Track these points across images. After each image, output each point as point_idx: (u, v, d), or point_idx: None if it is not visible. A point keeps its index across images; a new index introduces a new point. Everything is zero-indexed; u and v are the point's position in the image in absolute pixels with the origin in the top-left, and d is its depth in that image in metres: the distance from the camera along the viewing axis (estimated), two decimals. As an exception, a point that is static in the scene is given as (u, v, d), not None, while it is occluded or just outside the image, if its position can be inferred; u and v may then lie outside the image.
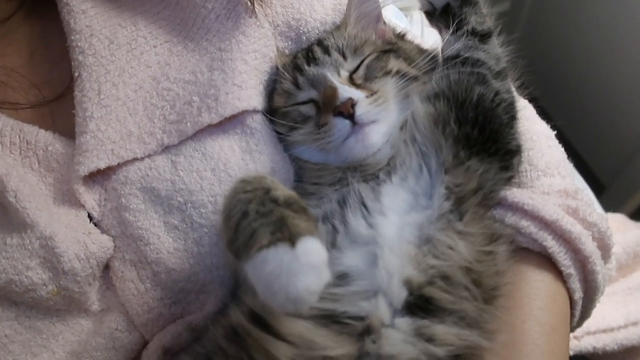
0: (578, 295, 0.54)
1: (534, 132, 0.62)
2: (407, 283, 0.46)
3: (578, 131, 1.51)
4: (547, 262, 0.54)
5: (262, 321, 0.47)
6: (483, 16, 0.61)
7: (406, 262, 0.47)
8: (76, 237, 0.52)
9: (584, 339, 0.65)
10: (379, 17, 0.65)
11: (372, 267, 0.48)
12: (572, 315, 0.56)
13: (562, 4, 1.61)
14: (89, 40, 0.58)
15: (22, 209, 0.51)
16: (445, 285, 0.47)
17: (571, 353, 0.63)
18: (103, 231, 0.55)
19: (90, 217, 0.56)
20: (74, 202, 0.56)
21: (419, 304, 0.46)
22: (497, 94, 0.54)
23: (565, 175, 0.59)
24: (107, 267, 0.55)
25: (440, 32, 0.64)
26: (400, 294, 0.46)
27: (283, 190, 0.47)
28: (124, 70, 0.59)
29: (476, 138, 0.52)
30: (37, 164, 0.56)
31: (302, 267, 0.41)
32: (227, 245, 0.47)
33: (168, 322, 0.56)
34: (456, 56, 0.58)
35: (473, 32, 0.59)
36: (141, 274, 0.55)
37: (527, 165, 0.58)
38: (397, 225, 0.50)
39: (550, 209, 0.53)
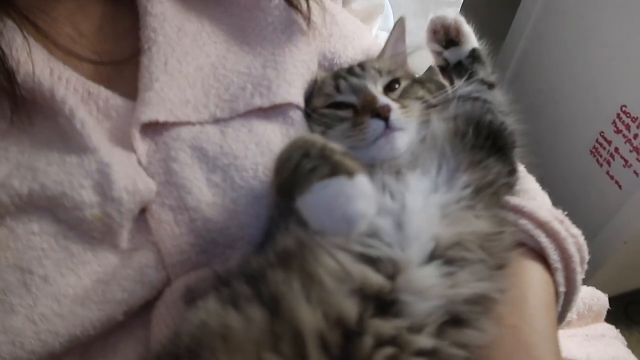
0: (562, 288, 0.63)
1: (520, 167, 0.74)
2: (435, 239, 0.53)
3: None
4: (540, 257, 0.63)
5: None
6: (489, 73, 0.76)
7: (432, 225, 0.54)
8: (128, 172, 0.57)
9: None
10: (405, 60, 0.79)
11: (400, 229, 0.54)
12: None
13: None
14: (161, 24, 0.67)
15: (87, 136, 0.56)
16: (464, 249, 0.54)
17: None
18: (148, 176, 0.60)
19: (138, 162, 0.60)
20: (126, 146, 0.60)
21: (445, 261, 0.53)
22: (503, 122, 0.66)
23: (548, 204, 0.70)
24: (141, 213, 0.59)
25: (451, 82, 0.78)
26: (428, 246, 0.52)
27: (338, 145, 0.54)
28: (188, 54, 0.67)
29: (489, 147, 0.62)
30: (96, 111, 0.61)
31: (359, 194, 0.48)
32: (281, 184, 0.54)
33: (193, 268, 0.58)
34: (468, 95, 0.71)
35: (482, 81, 0.73)
36: (177, 218, 0.58)
37: (518, 188, 0.69)
38: (421, 202, 0.57)
39: (545, 212, 0.63)
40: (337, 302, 0.47)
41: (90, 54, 0.66)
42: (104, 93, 0.62)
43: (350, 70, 0.73)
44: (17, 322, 0.50)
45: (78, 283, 0.53)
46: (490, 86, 0.73)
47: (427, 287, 0.49)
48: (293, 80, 0.69)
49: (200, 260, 0.59)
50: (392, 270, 0.51)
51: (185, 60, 0.67)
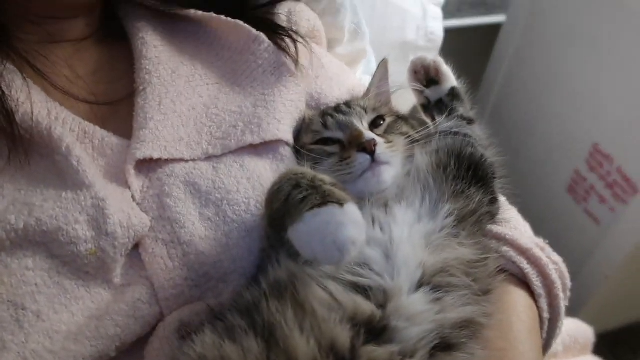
0: (546, 314, 0.65)
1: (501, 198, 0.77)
2: (422, 266, 0.55)
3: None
4: (523, 283, 0.65)
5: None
6: (468, 110, 0.80)
7: (419, 252, 0.56)
8: (122, 207, 0.58)
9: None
10: (389, 99, 0.83)
11: (389, 259, 0.56)
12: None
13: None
14: (156, 67, 0.70)
15: (83, 172, 0.57)
16: (450, 276, 0.56)
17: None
18: (142, 211, 0.61)
19: (132, 198, 0.62)
20: (121, 183, 0.62)
21: (433, 287, 0.54)
22: (483, 155, 0.69)
23: (530, 234, 0.73)
24: (134, 248, 0.60)
25: (432, 119, 0.81)
26: (416, 274, 0.54)
27: (327, 177, 0.57)
28: (181, 94, 0.70)
29: (471, 178, 0.65)
30: (91, 149, 0.63)
31: (350, 221, 0.50)
32: (272, 215, 0.55)
33: (187, 302, 0.59)
34: (449, 130, 0.74)
35: (462, 117, 0.77)
36: (171, 253, 0.59)
37: (502, 218, 0.72)
38: (406, 232, 0.60)
39: (526, 240, 0.66)
40: (329, 331, 0.48)
41: (87, 95, 0.69)
42: (99, 132, 0.64)
43: (337, 108, 0.76)
44: (8, 359, 0.50)
45: (71, 319, 0.53)
46: (470, 122, 0.77)
47: (417, 313, 0.51)
48: (282, 118, 0.71)
49: (193, 295, 0.59)
50: (382, 298, 0.52)
51: (179, 100, 0.69)
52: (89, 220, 0.55)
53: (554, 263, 0.66)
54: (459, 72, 0.83)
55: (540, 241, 0.69)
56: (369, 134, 0.68)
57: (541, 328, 0.65)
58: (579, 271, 1.65)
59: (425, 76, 0.82)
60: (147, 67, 0.70)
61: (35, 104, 0.60)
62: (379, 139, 0.68)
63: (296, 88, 0.76)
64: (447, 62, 0.83)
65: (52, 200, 0.55)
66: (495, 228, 0.67)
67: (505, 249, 0.65)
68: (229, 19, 0.77)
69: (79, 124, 0.63)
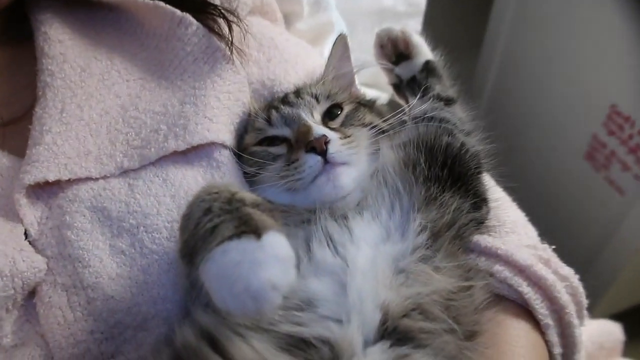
0: (557, 350, 0.51)
1: (497, 192, 0.63)
2: (383, 308, 0.42)
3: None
4: (524, 311, 0.51)
5: (214, 340, 0.41)
6: (447, 87, 0.66)
7: (380, 287, 0.44)
8: (5, 251, 0.46)
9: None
10: (352, 81, 0.69)
11: (341, 292, 0.44)
12: None
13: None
14: (60, 65, 0.59)
15: None
16: (424, 318, 0.43)
17: None
18: (37, 250, 0.50)
19: (26, 234, 0.50)
20: (11, 216, 0.51)
21: (396, 336, 0.42)
22: (463, 144, 0.56)
23: (532, 236, 0.59)
24: (30, 296, 0.49)
25: (406, 101, 0.68)
26: (373, 319, 0.42)
27: (250, 194, 0.44)
28: (92, 96, 0.59)
29: (446, 178, 0.52)
30: None
31: (267, 258, 0.37)
32: (182, 249, 0.43)
33: None
34: (423, 115, 0.61)
35: (438, 97, 0.63)
36: (72, 300, 0.48)
37: (494, 222, 0.58)
38: (369, 255, 0.47)
39: (524, 254, 0.52)
40: None
41: None
42: None
43: (284, 99, 0.63)
44: None
45: None
46: (448, 102, 0.63)
47: None
48: (215, 115, 0.59)
49: (104, 351, 0.48)
50: (328, 355, 0.40)
51: (88, 104, 0.58)
52: None
53: (564, 279, 0.52)
54: (452, 41, 0.68)
55: (545, 249, 0.55)
56: (318, 130, 0.55)
57: None
58: (605, 245, 1.50)
59: (394, 50, 0.68)
60: (49, 66, 0.58)
61: None
62: (332, 135, 0.55)
63: (234, 77, 0.63)
64: (428, 34, 0.69)
65: None
66: (484, 240, 0.54)
67: (498, 267, 0.52)
68: (147, 0, 0.64)
69: None
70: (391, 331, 0.41)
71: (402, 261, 0.46)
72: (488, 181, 0.65)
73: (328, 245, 0.48)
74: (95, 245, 0.50)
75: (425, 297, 0.44)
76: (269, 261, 0.37)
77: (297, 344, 0.40)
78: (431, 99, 0.63)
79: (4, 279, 0.45)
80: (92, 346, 0.47)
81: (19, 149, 0.55)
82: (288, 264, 0.38)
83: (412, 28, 0.72)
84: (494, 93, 1.86)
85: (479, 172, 0.56)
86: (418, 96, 0.63)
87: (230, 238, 0.38)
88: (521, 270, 0.51)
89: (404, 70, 0.67)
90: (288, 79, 0.70)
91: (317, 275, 0.46)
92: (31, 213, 0.51)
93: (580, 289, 0.54)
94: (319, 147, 0.53)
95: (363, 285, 0.44)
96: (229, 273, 0.37)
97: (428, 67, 0.66)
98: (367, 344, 0.41)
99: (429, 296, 0.44)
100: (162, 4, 0.64)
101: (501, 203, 0.60)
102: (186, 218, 0.43)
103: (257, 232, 0.39)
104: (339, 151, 0.54)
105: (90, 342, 0.47)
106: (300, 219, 0.54)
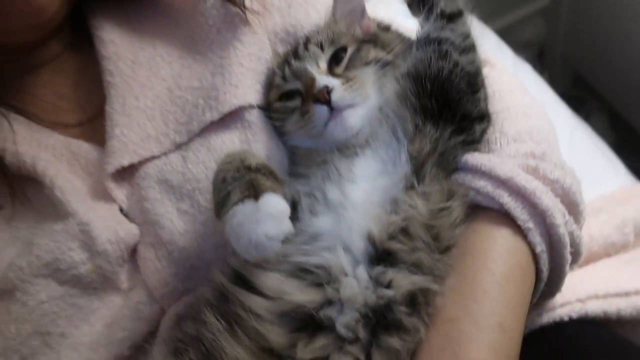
0: (540, 248, 0.55)
1: (515, 103, 0.64)
2: (369, 237, 0.51)
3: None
4: (506, 218, 0.56)
5: (244, 279, 0.54)
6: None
7: (368, 219, 0.52)
8: (108, 225, 0.62)
9: (589, 303, 0.63)
10: (363, 13, 0.71)
11: (337, 226, 0.53)
12: (539, 270, 0.57)
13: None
14: (115, 64, 0.69)
15: (66, 202, 0.62)
16: (405, 239, 0.51)
17: (575, 316, 0.62)
18: (131, 220, 0.65)
19: (121, 209, 0.65)
20: (107, 197, 0.66)
21: (380, 257, 0.51)
22: (456, 65, 0.57)
23: (540, 142, 0.60)
24: (134, 253, 0.65)
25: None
26: (359, 246, 0.51)
27: (256, 159, 0.54)
28: (144, 85, 0.69)
29: (433, 108, 0.56)
30: (80, 170, 0.67)
31: (263, 216, 0.48)
32: (214, 210, 0.55)
33: (183, 294, 0.63)
34: (426, 38, 0.62)
35: (441, 15, 0.63)
36: (158, 254, 0.63)
37: (497, 134, 0.61)
38: (365, 190, 0.55)
39: (506, 167, 0.55)
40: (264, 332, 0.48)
41: (74, 112, 0.72)
42: (84, 150, 0.68)
43: (295, 52, 0.68)
44: None
45: (92, 330, 0.62)
46: (451, 17, 0.63)
47: (356, 293, 0.48)
48: (240, 81, 0.67)
49: (187, 287, 0.63)
50: (326, 277, 0.50)
51: (142, 94, 0.69)
52: (81, 244, 0.61)
53: (551, 183, 0.55)
54: None
55: (540, 152, 0.57)
56: (321, 81, 0.61)
57: (537, 263, 0.56)
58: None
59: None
60: (108, 67, 0.69)
61: (21, 141, 0.64)
62: (334, 82, 0.61)
63: (253, 37, 0.70)
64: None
65: (47, 236, 0.62)
66: (471, 158, 0.57)
67: (481, 183, 0.56)
68: None
69: (68, 146, 0.68)
70: (379, 254, 0.50)
71: (392, 190, 0.53)
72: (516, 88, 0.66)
73: (337, 182, 0.57)
74: (165, 210, 0.64)
75: (408, 220, 0.51)
76: (264, 219, 0.48)
77: (303, 271, 0.51)
78: (434, 18, 0.63)
79: (112, 244, 0.61)
80: (178, 284, 0.63)
81: (102, 141, 0.69)
82: (281, 219, 0.48)
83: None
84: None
85: (474, 91, 0.58)
86: (422, 17, 0.64)
87: (236, 203, 0.49)
88: (502, 183, 0.55)
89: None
90: (309, 20, 0.74)
91: (326, 211, 0.55)
92: (120, 193, 0.66)
93: (573, 189, 0.56)
94: (323, 98, 0.59)
95: (353, 216, 0.52)
96: (238, 231, 0.48)
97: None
98: (356, 265, 0.51)
99: (412, 219, 0.51)
100: None
101: (512, 115, 0.61)
102: (213, 186, 0.55)
103: (256, 195, 0.49)
104: (342, 97, 0.59)
105: (175, 282, 0.63)
106: (322, 160, 0.62)
